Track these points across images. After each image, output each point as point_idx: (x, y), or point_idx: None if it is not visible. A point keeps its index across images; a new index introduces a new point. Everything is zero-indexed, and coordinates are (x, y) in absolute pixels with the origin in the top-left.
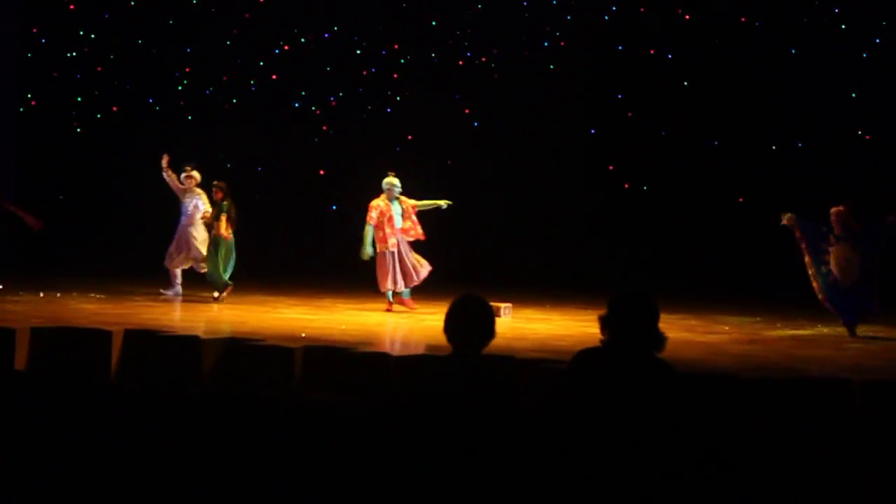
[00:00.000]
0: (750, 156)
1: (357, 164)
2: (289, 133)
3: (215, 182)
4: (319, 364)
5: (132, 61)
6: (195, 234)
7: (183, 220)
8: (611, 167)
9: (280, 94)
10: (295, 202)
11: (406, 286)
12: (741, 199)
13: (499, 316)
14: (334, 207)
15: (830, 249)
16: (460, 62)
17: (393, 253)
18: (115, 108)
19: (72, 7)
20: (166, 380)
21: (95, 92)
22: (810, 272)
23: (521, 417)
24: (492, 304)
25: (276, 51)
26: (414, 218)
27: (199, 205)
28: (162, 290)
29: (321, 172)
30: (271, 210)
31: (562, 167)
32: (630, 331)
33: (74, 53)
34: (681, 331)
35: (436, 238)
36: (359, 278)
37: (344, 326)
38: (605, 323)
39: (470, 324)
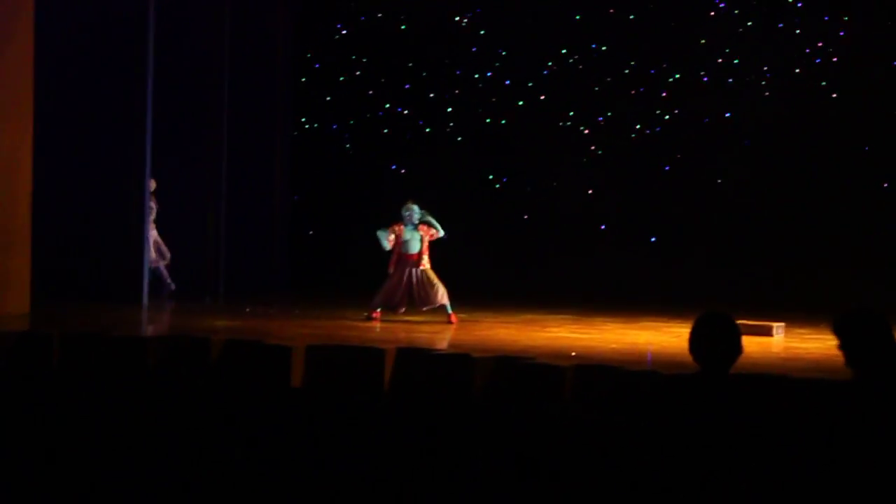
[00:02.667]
0: None
1: (623, 185)
2: (555, 153)
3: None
4: (589, 382)
5: (402, 84)
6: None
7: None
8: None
9: (548, 114)
10: (563, 221)
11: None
12: None
13: (771, 335)
14: (603, 227)
15: None
16: (730, 80)
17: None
18: (385, 131)
19: (344, 32)
20: (437, 397)
21: (367, 115)
22: None
23: (771, 437)
24: (765, 323)
25: (545, 71)
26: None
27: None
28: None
29: (589, 192)
30: (540, 228)
31: (831, 180)
32: (871, 354)
33: (346, 77)
34: None
35: (709, 259)
36: (626, 297)
37: (614, 345)
38: (842, 348)
39: (714, 342)
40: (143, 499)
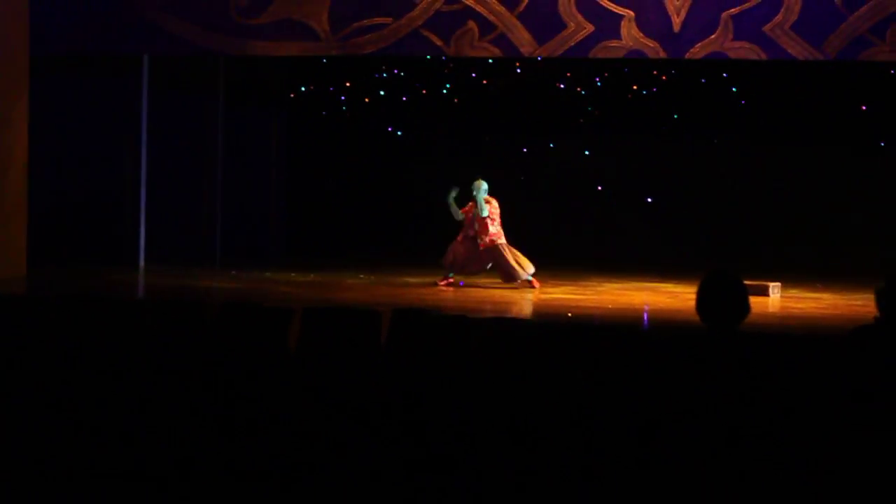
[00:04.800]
0: None
1: (621, 146)
2: (551, 114)
3: None
4: (578, 343)
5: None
6: None
7: None
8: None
9: (544, 75)
10: (560, 182)
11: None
12: None
13: (767, 295)
14: (600, 188)
15: None
16: None
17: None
18: (382, 94)
19: None
20: (434, 359)
21: (363, 77)
22: None
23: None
24: (761, 283)
25: None
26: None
27: None
28: None
29: (586, 153)
30: (537, 190)
31: (823, 145)
32: None
33: None
34: None
35: (705, 220)
36: (624, 257)
37: (611, 306)
38: (880, 297)
39: (721, 300)
40: (138, 464)
